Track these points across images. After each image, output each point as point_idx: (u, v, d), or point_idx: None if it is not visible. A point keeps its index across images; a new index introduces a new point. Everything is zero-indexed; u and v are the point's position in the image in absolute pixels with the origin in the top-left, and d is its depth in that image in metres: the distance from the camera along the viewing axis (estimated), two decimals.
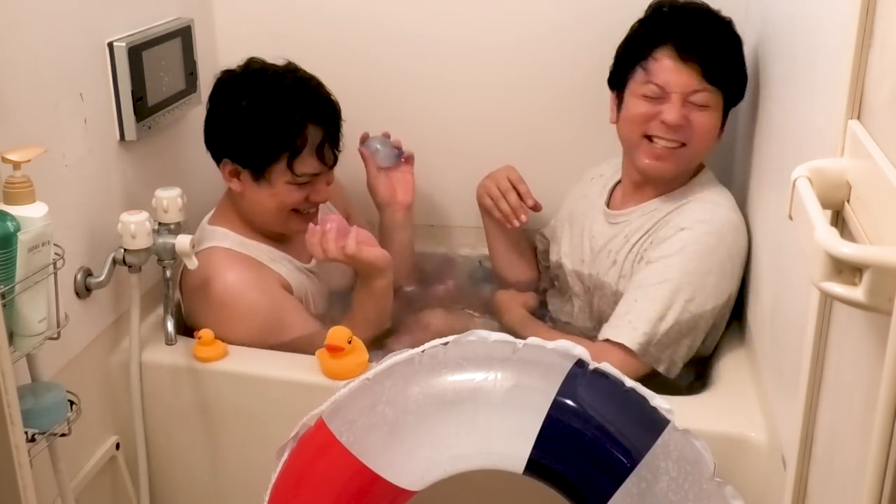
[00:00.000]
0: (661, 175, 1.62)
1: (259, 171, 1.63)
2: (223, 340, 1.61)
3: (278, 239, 1.74)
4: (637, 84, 1.59)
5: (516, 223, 1.79)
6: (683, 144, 1.58)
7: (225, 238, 1.69)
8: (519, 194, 1.78)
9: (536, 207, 1.79)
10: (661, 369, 1.53)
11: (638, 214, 1.65)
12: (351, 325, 1.55)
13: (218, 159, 1.68)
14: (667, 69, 1.56)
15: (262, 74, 1.64)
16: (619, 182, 1.75)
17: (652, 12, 1.64)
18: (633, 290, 1.56)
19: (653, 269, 1.55)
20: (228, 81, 1.66)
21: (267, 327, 1.63)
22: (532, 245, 1.94)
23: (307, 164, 1.62)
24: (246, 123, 1.61)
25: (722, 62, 1.56)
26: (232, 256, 1.66)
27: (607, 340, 1.53)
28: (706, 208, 1.59)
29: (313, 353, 1.57)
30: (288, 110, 1.60)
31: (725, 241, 1.55)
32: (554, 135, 1.97)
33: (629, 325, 1.52)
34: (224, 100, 1.66)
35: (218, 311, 1.63)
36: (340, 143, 1.68)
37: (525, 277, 1.92)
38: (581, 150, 1.83)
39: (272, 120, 1.60)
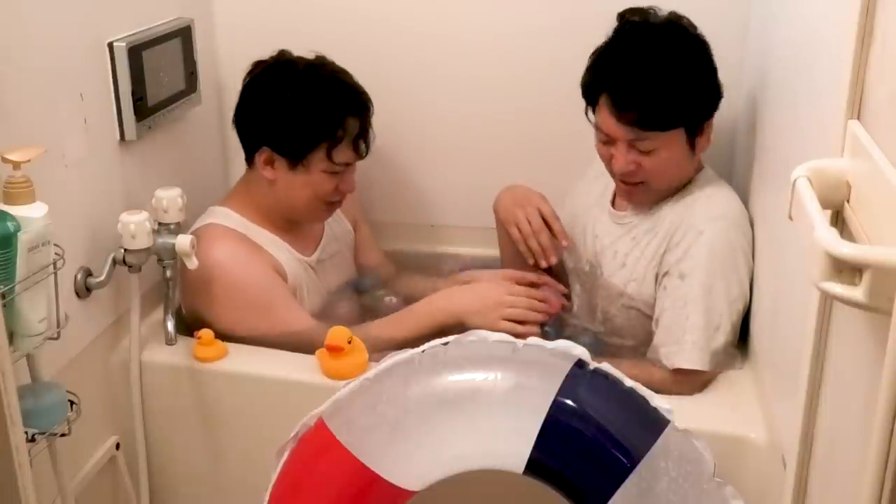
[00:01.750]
0: (636, 203, 1.65)
1: (297, 159, 1.66)
2: (210, 320, 1.62)
3: (285, 230, 1.75)
4: (594, 126, 1.60)
5: (544, 263, 1.71)
6: (644, 182, 1.59)
7: (226, 217, 1.70)
8: (552, 232, 1.71)
9: (569, 246, 1.72)
10: (735, 368, 1.54)
11: (643, 216, 1.65)
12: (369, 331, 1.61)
13: (254, 147, 1.69)
14: (607, 119, 1.55)
15: (300, 66, 1.68)
16: None
17: (613, 35, 1.59)
18: (681, 307, 1.53)
19: (692, 282, 1.53)
20: (266, 72, 1.69)
21: (252, 306, 1.64)
22: None
23: (344, 153, 1.67)
24: (289, 112, 1.64)
25: (664, 108, 1.51)
26: (226, 233, 1.68)
27: (680, 370, 1.52)
28: (715, 203, 1.58)
29: (299, 343, 1.59)
30: (330, 101, 1.65)
31: (742, 229, 1.56)
32: (557, 132, 1.96)
33: (694, 347, 1.51)
34: (264, 90, 1.68)
35: (204, 286, 1.63)
36: (371, 135, 1.72)
37: None
38: (584, 147, 1.82)
39: (316, 110, 1.64)
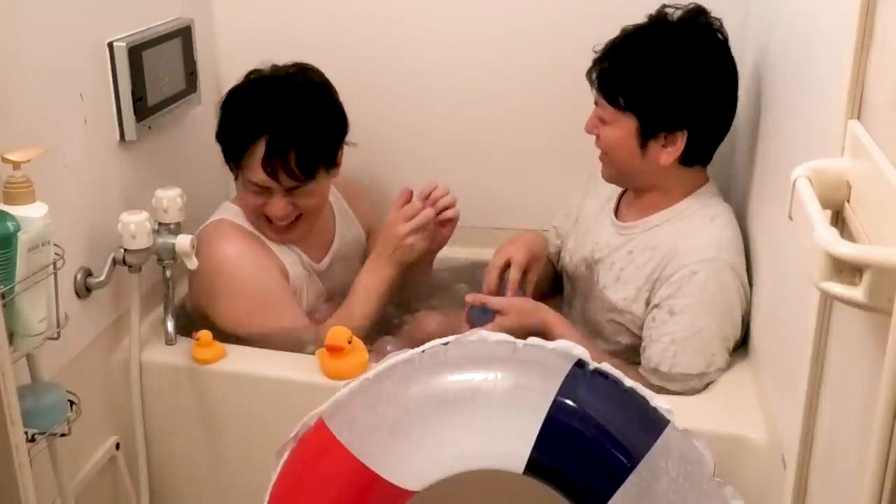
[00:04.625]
0: (604, 178, 1.67)
1: (232, 168, 1.68)
2: (213, 316, 1.64)
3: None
4: None
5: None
6: (606, 154, 1.62)
7: (237, 215, 1.71)
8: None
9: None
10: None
11: (641, 229, 1.63)
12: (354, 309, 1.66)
13: None
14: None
15: (248, 82, 1.67)
16: (626, 189, 1.73)
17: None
18: (668, 344, 1.52)
19: (680, 320, 1.52)
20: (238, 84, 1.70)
21: (255, 307, 1.65)
22: (551, 271, 1.90)
23: (253, 173, 1.62)
24: (219, 127, 1.67)
25: (616, 82, 1.55)
26: (237, 230, 1.69)
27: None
28: (711, 237, 1.55)
29: (297, 348, 1.59)
30: (240, 122, 1.62)
31: (736, 269, 1.54)
32: (558, 132, 1.95)
33: (687, 379, 1.52)
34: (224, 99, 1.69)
35: (212, 281, 1.64)
36: (300, 166, 1.60)
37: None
38: (585, 146, 1.81)
39: (229, 128, 1.64)
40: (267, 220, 1.68)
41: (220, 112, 1.67)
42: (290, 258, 1.73)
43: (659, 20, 1.57)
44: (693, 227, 1.58)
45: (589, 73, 1.60)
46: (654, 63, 1.53)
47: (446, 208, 1.75)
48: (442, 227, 1.78)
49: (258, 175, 1.61)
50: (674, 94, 1.53)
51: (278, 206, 1.64)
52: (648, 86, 1.53)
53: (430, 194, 1.74)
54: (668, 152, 1.56)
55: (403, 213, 1.71)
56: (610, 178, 1.67)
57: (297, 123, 1.59)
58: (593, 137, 1.64)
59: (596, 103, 1.61)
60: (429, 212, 1.71)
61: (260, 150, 1.59)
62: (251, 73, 1.68)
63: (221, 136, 1.66)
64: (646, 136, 1.56)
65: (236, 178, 1.69)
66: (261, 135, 1.59)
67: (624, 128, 1.57)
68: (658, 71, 1.53)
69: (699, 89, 1.54)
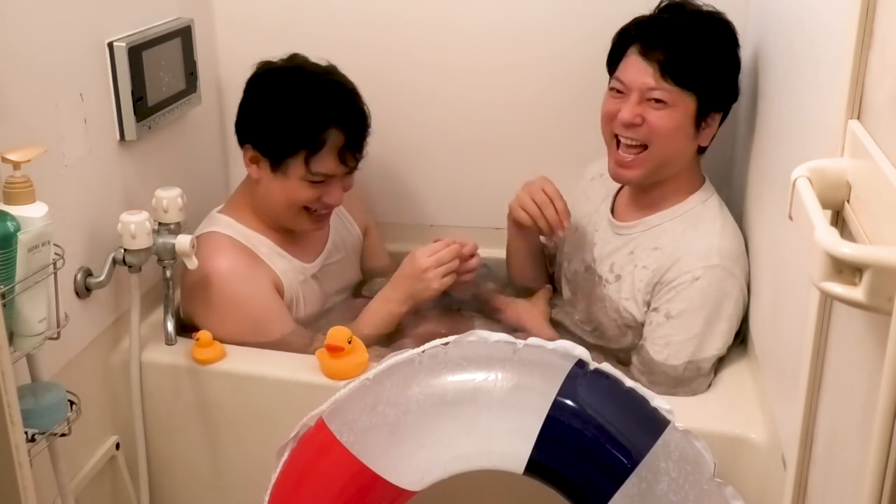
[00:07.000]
0: (628, 182, 1.64)
1: (276, 162, 1.64)
2: (204, 327, 1.62)
3: (286, 237, 1.74)
4: (611, 81, 1.62)
5: (561, 233, 1.71)
6: (646, 147, 1.57)
7: (228, 226, 1.70)
8: (556, 209, 1.70)
9: (568, 228, 1.72)
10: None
11: (640, 229, 1.63)
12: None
13: (241, 143, 1.69)
14: (630, 66, 1.57)
15: (300, 70, 1.67)
16: (621, 187, 1.73)
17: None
18: (662, 347, 1.54)
19: (676, 324, 1.53)
20: (268, 72, 1.68)
21: (246, 322, 1.64)
22: (546, 254, 1.92)
23: (325, 163, 1.63)
24: (272, 113, 1.63)
25: (686, 59, 1.54)
26: (228, 243, 1.67)
27: None
28: (713, 246, 1.55)
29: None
30: (315, 108, 1.62)
31: (737, 278, 1.54)
32: (557, 130, 1.96)
33: (675, 384, 1.54)
34: (259, 88, 1.68)
35: (202, 296, 1.63)
36: (364, 151, 1.69)
37: (536, 286, 1.89)
38: (584, 143, 1.81)
39: (298, 114, 1.62)
40: (307, 214, 1.68)
41: (272, 106, 1.63)
42: (283, 266, 1.71)
43: (675, 7, 1.61)
44: (696, 230, 1.58)
45: (645, 54, 1.56)
46: (714, 43, 1.57)
47: (471, 257, 1.74)
48: (464, 276, 1.76)
49: (329, 165, 1.62)
50: (728, 73, 1.58)
51: (338, 192, 1.68)
52: (709, 57, 1.56)
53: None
54: (709, 131, 1.60)
55: (428, 248, 1.70)
56: (640, 179, 1.61)
57: (362, 110, 1.68)
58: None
59: (642, 96, 1.55)
60: (454, 246, 1.70)
61: (336, 139, 1.62)
62: (280, 65, 1.67)
63: (284, 129, 1.62)
64: (701, 115, 1.57)
65: (274, 172, 1.64)
66: (336, 124, 1.62)
67: (683, 110, 1.55)
68: (718, 51, 1.57)
69: (734, 62, 1.60)
